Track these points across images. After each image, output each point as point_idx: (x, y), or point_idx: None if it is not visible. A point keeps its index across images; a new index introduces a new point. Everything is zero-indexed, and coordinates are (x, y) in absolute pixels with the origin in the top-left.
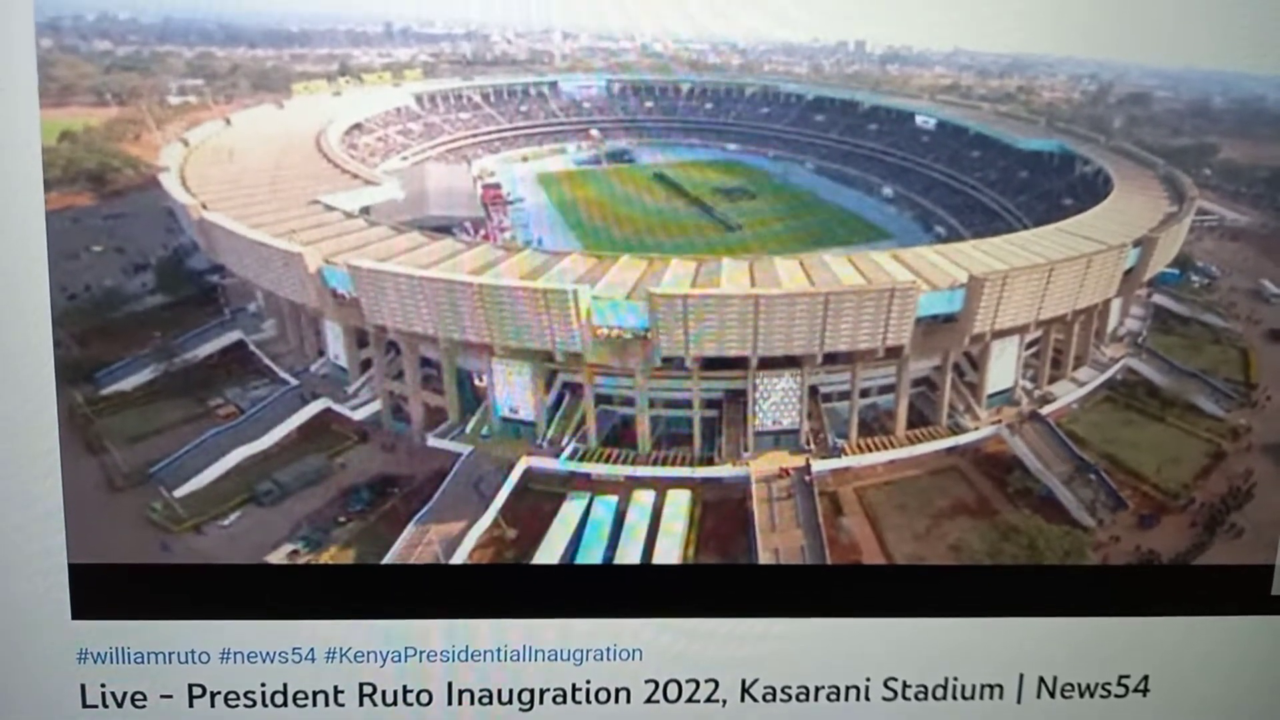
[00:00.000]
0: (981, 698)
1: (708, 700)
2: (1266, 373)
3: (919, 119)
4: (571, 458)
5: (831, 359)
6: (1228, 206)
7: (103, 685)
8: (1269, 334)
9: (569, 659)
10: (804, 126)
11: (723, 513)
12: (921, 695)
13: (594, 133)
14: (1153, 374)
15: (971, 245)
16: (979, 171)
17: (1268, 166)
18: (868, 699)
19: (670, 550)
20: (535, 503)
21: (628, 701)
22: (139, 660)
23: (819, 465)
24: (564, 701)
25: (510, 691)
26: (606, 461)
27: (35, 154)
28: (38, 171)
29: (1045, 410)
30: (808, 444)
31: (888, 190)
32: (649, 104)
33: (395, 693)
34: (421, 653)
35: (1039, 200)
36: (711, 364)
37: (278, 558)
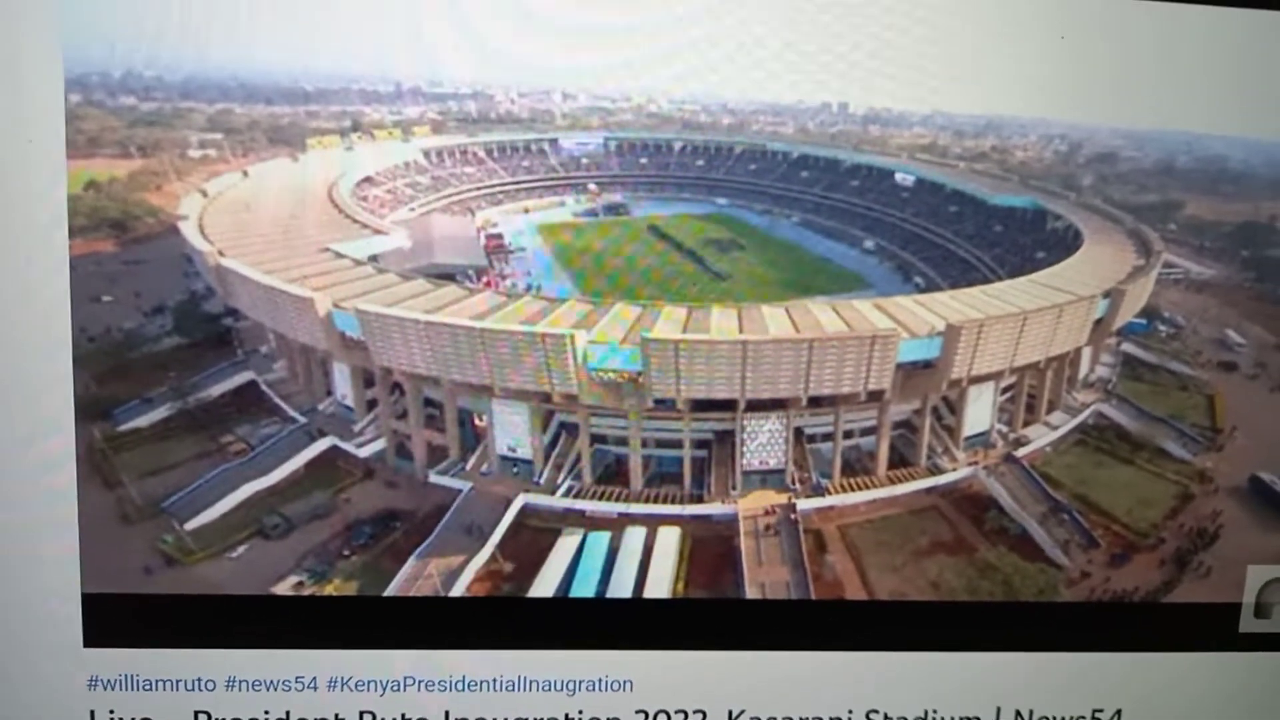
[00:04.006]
0: None
1: None
2: (1232, 413)
3: (899, 176)
4: (567, 495)
5: (816, 402)
6: (1193, 260)
7: (111, 712)
8: (1221, 365)
9: (562, 689)
10: (790, 182)
11: (711, 549)
12: None
13: (592, 187)
14: (1123, 419)
15: (949, 295)
16: (955, 225)
17: (1230, 222)
18: None
19: (661, 584)
20: (531, 538)
21: None
22: (147, 688)
23: (804, 504)
24: None
25: None
26: (600, 499)
27: (61, 202)
28: (63, 218)
29: (1020, 453)
30: (793, 483)
31: (869, 243)
32: (644, 160)
33: None
34: (420, 682)
35: (1013, 253)
36: (701, 406)
37: (283, 589)
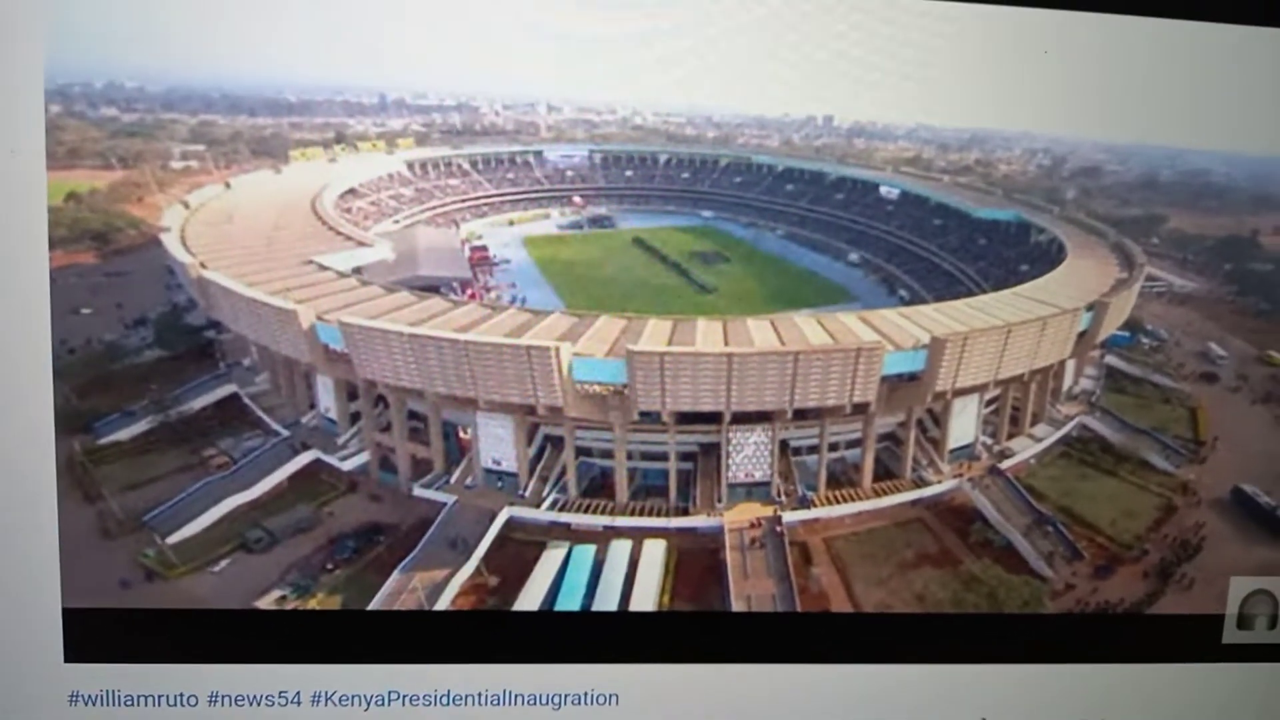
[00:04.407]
0: None
1: None
2: (1214, 425)
3: (883, 189)
4: (552, 508)
5: (801, 414)
6: (1175, 273)
7: None
8: (1203, 377)
9: (548, 703)
10: (775, 195)
11: (697, 561)
12: None
13: (576, 199)
14: (1106, 431)
15: (933, 308)
16: (940, 239)
17: (1213, 236)
18: None
19: (646, 598)
20: (516, 551)
21: None
22: (129, 703)
23: (789, 516)
24: None
25: None
26: (585, 512)
27: (41, 213)
28: (43, 230)
29: (1004, 465)
30: (778, 496)
31: (854, 256)
32: (629, 173)
33: None
34: (405, 696)
35: (996, 266)
36: (687, 418)
37: (266, 603)
